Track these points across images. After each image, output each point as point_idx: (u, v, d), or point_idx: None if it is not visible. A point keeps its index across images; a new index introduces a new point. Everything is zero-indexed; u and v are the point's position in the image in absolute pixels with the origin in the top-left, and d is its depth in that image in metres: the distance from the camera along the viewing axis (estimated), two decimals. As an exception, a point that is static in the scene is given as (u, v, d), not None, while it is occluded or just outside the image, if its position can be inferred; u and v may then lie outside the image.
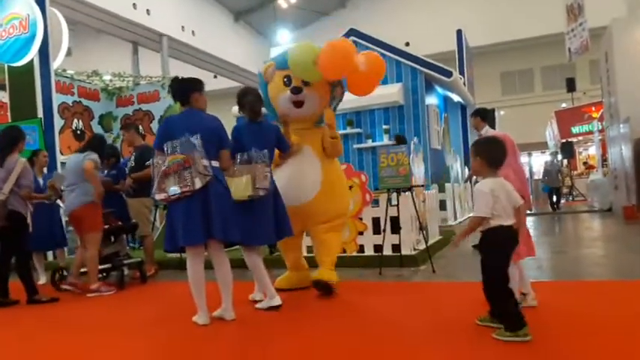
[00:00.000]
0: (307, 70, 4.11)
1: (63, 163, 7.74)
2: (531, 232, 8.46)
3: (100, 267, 5.13)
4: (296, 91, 4.18)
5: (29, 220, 4.70)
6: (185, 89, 3.60)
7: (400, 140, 8.17)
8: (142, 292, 5.13)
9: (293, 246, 4.54)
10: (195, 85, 3.62)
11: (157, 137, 3.52)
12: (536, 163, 28.91)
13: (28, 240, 4.77)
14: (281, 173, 4.21)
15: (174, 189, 3.26)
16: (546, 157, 26.19)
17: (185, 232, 3.32)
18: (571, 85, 18.34)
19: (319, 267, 4.29)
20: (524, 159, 29.28)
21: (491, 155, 2.87)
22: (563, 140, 17.92)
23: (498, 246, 2.80)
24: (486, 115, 5.19)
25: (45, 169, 6.16)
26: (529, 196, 3.42)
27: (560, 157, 17.45)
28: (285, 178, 4.16)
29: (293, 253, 4.57)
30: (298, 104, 4.22)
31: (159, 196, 3.33)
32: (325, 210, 4.25)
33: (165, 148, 3.35)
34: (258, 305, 3.86)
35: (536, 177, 24.21)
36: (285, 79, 4.25)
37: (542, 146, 22.84)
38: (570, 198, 17.05)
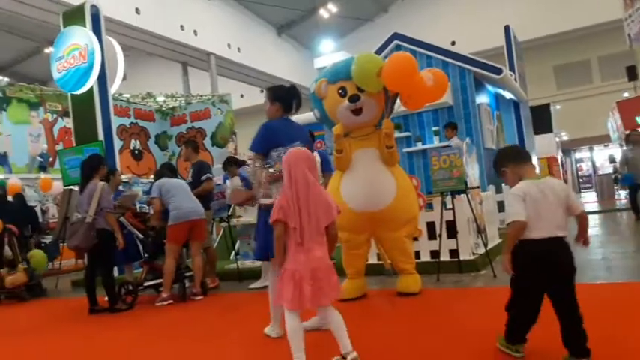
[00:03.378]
0: (370, 80, 4.18)
1: (125, 183, 8.11)
2: (596, 230, 8.14)
3: (159, 280, 5.40)
4: (354, 99, 4.24)
5: (119, 237, 5.19)
6: (290, 97, 3.61)
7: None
8: (206, 303, 5.25)
9: (359, 254, 4.53)
10: (298, 95, 3.66)
11: (256, 142, 3.45)
12: (599, 157, 27.60)
13: (114, 254, 5.28)
14: (352, 178, 4.27)
15: (275, 197, 3.24)
16: (610, 150, 24.95)
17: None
18: (632, 74, 17.36)
19: (403, 274, 4.45)
20: (585, 154, 28.07)
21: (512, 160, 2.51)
22: (627, 132, 16.98)
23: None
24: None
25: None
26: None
27: (625, 149, 16.54)
28: (358, 183, 4.23)
29: (359, 261, 4.54)
30: (357, 112, 4.28)
31: (264, 201, 3.29)
32: (401, 215, 4.33)
33: (275, 154, 3.32)
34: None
35: (600, 172, 23.13)
36: (340, 91, 4.31)
37: (604, 139, 21.73)
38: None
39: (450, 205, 5.25)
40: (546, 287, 2.33)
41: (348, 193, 4.27)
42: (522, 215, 2.29)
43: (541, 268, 2.29)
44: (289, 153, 2.75)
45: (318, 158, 3.93)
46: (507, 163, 2.50)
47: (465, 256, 5.33)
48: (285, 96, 3.61)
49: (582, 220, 2.42)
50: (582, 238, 2.40)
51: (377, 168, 4.32)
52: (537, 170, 9.00)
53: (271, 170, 3.29)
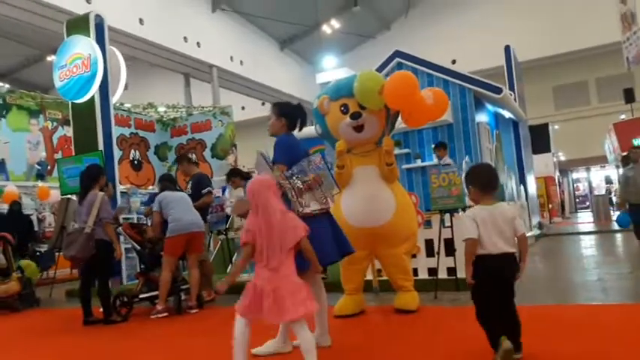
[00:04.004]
0: (371, 98, 4.23)
1: (123, 193, 8.08)
2: (592, 251, 8.14)
3: (154, 293, 5.36)
4: (356, 116, 4.29)
5: (118, 248, 5.18)
6: (297, 115, 3.65)
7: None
8: (202, 317, 5.21)
9: (359, 270, 4.53)
10: (304, 114, 3.71)
11: (281, 153, 3.45)
12: (596, 177, 27.70)
13: (111, 265, 5.29)
14: (352, 194, 4.31)
15: (315, 204, 3.29)
16: (606, 171, 25.07)
17: (328, 250, 3.31)
18: (629, 96, 17.52)
19: (401, 291, 4.46)
20: (582, 174, 28.18)
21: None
22: (624, 153, 17.06)
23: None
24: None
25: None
26: None
27: (621, 171, 16.60)
28: (357, 199, 4.25)
29: (358, 277, 4.54)
30: (359, 129, 4.33)
31: (305, 210, 3.26)
32: (400, 232, 4.37)
33: (305, 164, 3.35)
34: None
35: (596, 192, 23.21)
36: (342, 108, 4.37)
37: (601, 160, 21.85)
38: (635, 214, 16.12)
39: (448, 223, 5.25)
40: (497, 295, 2.71)
41: (348, 208, 4.30)
42: (473, 233, 2.70)
43: (492, 279, 2.71)
44: (253, 181, 2.99)
45: None
46: (475, 185, 2.88)
47: (462, 274, 5.27)
48: (291, 113, 3.64)
49: (521, 242, 2.78)
50: (522, 261, 2.75)
51: (377, 184, 4.34)
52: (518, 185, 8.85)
53: (306, 178, 3.31)
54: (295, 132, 3.71)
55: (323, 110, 4.48)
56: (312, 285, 3.40)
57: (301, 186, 3.27)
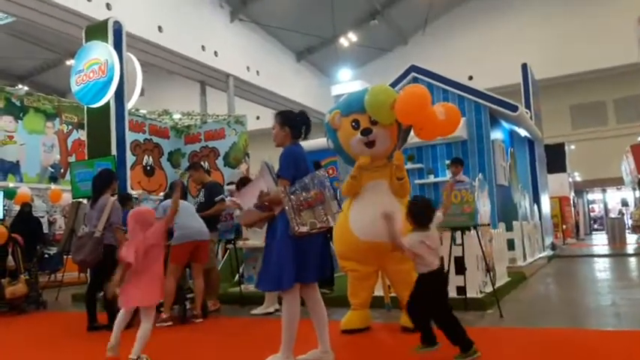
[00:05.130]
0: (383, 112, 4.21)
1: (135, 198, 8.11)
2: (606, 275, 7.97)
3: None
4: (366, 132, 4.27)
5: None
6: (300, 123, 3.53)
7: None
8: (206, 326, 5.15)
9: (366, 286, 4.49)
10: (308, 121, 3.59)
11: (285, 167, 3.36)
12: (612, 199, 27.26)
13: None
14: (361, 206, 4.26)
15: (313, 222, 3.16)
16: (622, 193, 24.66)
17: (312, 270, 3.31)
18: (648, 118, 17.30)
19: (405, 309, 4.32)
20: (598, 195, 27.74)
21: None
22: (642, 175, 16.79)
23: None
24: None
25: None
26: None
27: (637, 194, 16.35)
28: (367, 214, 4.18)
29: (365, 293, 4.49)
30: (370, 144, 4.31)
31: (301, 229, 3.16)
32: None
33: (308, 180, 3.22)
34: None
35: (612, 215, 22.80)
36: (353, 124, 4.35)
37: (617, 182, 21.53)
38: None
39: (459, 241, 5.16)
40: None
41: (356, 222, 4.25)
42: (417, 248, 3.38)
43: (438, 287, 3.49)
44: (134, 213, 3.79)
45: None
46: (414, 219, 3.50)
47: (472, 293, 5.21)
48: (294, 121, 3.53)
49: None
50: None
51: (386, 199, 4.28)
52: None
53: (308, 195, 3.17)
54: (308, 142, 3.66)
55: (334, 125, 4.46)
56: (308, 300, 3.38)
57: (301, 203, 3.17)
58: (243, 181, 6.70)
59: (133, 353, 3.43)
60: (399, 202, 4.31)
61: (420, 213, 3.47)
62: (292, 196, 3.17)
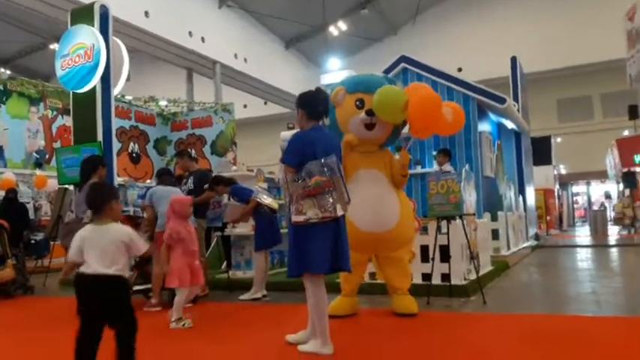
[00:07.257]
0: (393, 113, 4.24)
1: (121, 185, 8.06)
2: (588, 264, 8.13)
3: (148, 286, 5.33)
4: (371, 113, 4.28)
5: None
6: (316, 103, 3.43)
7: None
8: (195, 312, 5.17)
9: (360, 270, 4.55)
10: (325, 100, 3.50)
11: (288, 153, 3.29)
12: (595, 192, 27.64)
13: None
14: (359, 197, 4.19)
15: (315, 212, 3.04)
16: (606, 186, 25.04)
17: (317, 260, 3.16)
18: (633, 113, 17.52)
19: (396, 294, 4.46)
20: (582, 188, 28.12)
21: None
22: (625, 169, 17.07)
23: None
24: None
25: None
26: None
27: (621, 187, 16.60)
28: (366, 204, 4.22)
29: (356, 279, 4.53)
30: (370, 127, 4.34)
31: (297, 219, 3.07)
32: (402, 237, 4.45)
33: (310, 167, 3.10)
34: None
35: (595, 207, 23.15)
36: (358, 102, 4.36)
37: (601, 175, 21.85)
38: (633, 230, 16.18)
39: (444, 230, 5.23)
40: None
41: (354, 212, 4.07)
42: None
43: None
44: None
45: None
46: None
47: (456, 281, 5.31)
48: (309, 102, 3.42)
49: None
50: None
51: (384, 190, 4.39)
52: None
53: (307, 184, 3.05)
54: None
55: (336, 101, 4.42)
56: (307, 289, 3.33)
57: (301, 191, 3.06)
58: (216, 180, 6.57)
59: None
60: (396, 192, 4.45)
61: None
62: (293, 184, 3.10)
